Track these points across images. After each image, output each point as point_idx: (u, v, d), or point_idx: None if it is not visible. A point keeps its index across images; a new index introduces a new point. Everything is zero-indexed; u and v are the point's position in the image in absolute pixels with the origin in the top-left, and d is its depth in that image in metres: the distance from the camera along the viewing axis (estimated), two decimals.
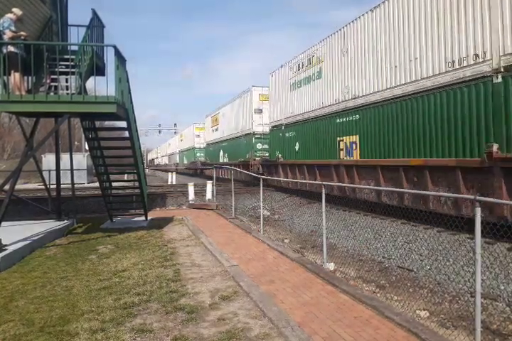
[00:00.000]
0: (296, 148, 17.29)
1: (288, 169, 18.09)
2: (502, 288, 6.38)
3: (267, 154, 22.36)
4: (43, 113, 8.92)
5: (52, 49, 8.74)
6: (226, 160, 29.49)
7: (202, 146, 41.20)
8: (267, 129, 22.41)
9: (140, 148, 11.04)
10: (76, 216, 11.19)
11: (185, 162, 47.97)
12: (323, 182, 7.25)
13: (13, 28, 7.98)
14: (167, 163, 68.55)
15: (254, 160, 22.63)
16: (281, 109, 19.20)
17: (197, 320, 4.41)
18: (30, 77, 8.75)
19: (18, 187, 12.88)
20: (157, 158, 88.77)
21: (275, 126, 19.95)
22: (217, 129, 32.65)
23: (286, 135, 18.42)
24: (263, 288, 5.43)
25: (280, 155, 18.79)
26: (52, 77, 8.97)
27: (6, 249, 6.98)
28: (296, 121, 17.37)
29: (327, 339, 3.89)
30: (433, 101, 9.70)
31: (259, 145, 23.65)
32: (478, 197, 3.86)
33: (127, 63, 9.43)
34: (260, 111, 23.53)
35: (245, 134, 24.82)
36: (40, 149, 15.48)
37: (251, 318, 4.45)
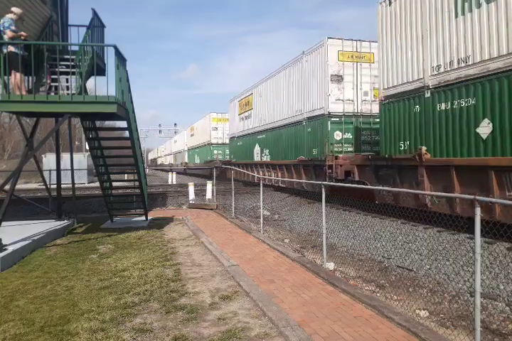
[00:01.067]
0: (484, 131, 8.62)
1: (454, 176, 9.22)
2: (502, 287, 6.39)
3: (351, 148, 15.30)
4: (43, 113, 8.94)
5: (53, 49, 8.76)
6: (267, 158, 20.78)
7: (221, 141, 33.80)
8: (350, 108, 15.14)
9: (140, 147, 11.06)
10: (76, 216, 11.20)
11: (198, 161, 39.51)
12: (323, 182, 7.26)
13: (13, 28, 7.99)
14: (172, 162, 59.71)
15: (337, 158, 14.27)
16: (430, 54, 10.19)
17: (197, 320, 4.42)
18: (30, 77, 8.77)
19: (18, 187, 12.90)
20: (160, 157, 79.68)
21: (399, 93, 11.29)
22: (249, 116, 23.93)
23: (442, 106, 9.75)
24: (263, 287, 5.44)
25: (425, 148, 10.16)
26: (53, 77, 8.99)
27: (6, 249, 6.99)
28: (493, 70, 8.45)
29: (327, 339, 3.90)
30: None
31: (337, 135, 15.19)
32: (477, 197, 3.86)
33: (127, 63, 9.45)
34: (340, 78, 14.95)
35: (309, 118, 16.27)
36: (41, 149, 15.51)
37: (251, 318, 4.46)
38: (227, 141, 31.79)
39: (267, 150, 21.06)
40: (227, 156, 31.87)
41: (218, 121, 34.15)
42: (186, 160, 46.88)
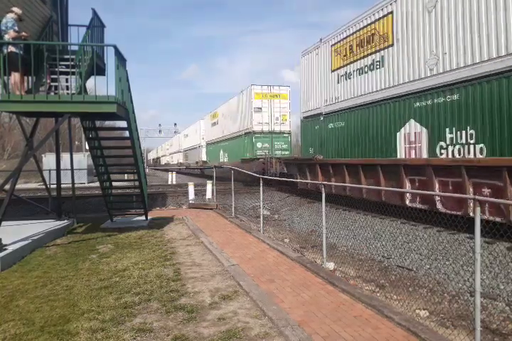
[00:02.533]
0: None
1: None
2: (502, 287, 6.38)
3: None
4: (43, 113, 8.94)
5: (53, 49, 8.75)
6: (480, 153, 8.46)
7: (268, 129, 23.05)
8: None
9: (140, 147, 11.06)
10: (76, 216, 11.20)
11: (226, 160, 28.30)
12: (323, 182, 7.25)
13: (16, 29, 8.02)
14: (182, 161, 48.47)
15: None
16: None
17: (197, 320, 4.42)
18: (30, 77, 8.77)
19: (18, 186, 12.90)
20: (165, 155, 69.11)
21: None
22: (376, 66, 12.06)
23: None
24: (263, 287, 5.44)
25: None
26: (53, 76, 8.99)
27: (6, 249, 6.99)
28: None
29: (327, 339, 3.90)
30: None
31: None
32: (477, 197, 3.87)
33: (127, 63, 9.45)
34: None
35: None
36: (41, 149, 15.50)
37: (251, 317, 4.46)
38: (281, 128, 22.77)
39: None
40: (280, 152, 22.53)
41: (263, 98, 22.83)
42: (204, 159, 35.43)
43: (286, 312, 4.53)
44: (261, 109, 22.95)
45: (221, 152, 29.92)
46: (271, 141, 23.04)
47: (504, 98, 8.25)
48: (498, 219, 8.01)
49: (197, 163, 37.65)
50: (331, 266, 7.10)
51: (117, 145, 13.61)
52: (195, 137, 39.56)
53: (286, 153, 23.23)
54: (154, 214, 12.98)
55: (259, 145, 23.06)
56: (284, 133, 23.36)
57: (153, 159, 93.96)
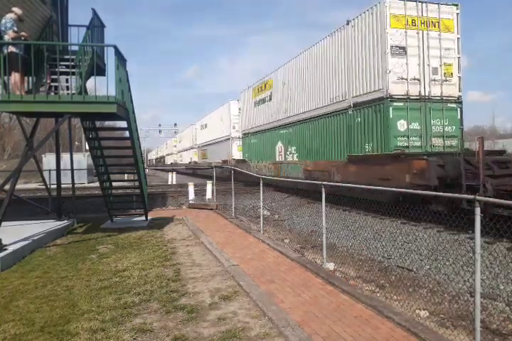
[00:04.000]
0: None
1: None
2: (502, 287, 6.38)
3: None
4: (43, 113, 8.94)
5: (53, 49, 8.75)
6: None
7: (417, 92, 11.33)
8: None
9: (140, 147, 11.06)
10: (76, 216, 11.20)
11: (294, 158, 17.63)
12: (323, 182, 7.24)
13: (15, 29, 8.02)
14: (197, 160, 38.71)
15: None
16: None
17: (197, 320, 4.42)
18: (30, 77, 8.77)
19: (18, 187, 12.90)
20: (171, 154, 59.11)
21: None
22: None
23: None
24: (263, 287, 5.44)
25: None
26: (53, 77, 9.00)
27: (6, 249, 6.99)
28: None
29: (327, 339, 3.90)
30: None
31: None
32: (477, 197, 3.87)
33: (127, 63, 9.46)
34: None
35: None
36: (41, 149, 15.50)
37: (251, 318, 4.46)
38: (442, 91, 11.79)
39: None
40: (441, 140, 11.82)
41: (409, 28, 11.50)
42: (238, 156, 25.53)
43: (286, 313, 4.52)
44: (404, 49, 11.45)
45: (279, 145, 18.89)
46: (424, 118, 11.68)
47: None
48: None
49: (224, 162, 26.78)
50: (331, 266, 7.10)
51: (117, 146, 13.61)
52: (221, 127, 28.51)
53: (454, 143, 12.07)
54: (154, 214, 12.97)
55: (400, 125, 11.51)
56: (448, 100, 12.00)
57: (156, 158, 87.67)
